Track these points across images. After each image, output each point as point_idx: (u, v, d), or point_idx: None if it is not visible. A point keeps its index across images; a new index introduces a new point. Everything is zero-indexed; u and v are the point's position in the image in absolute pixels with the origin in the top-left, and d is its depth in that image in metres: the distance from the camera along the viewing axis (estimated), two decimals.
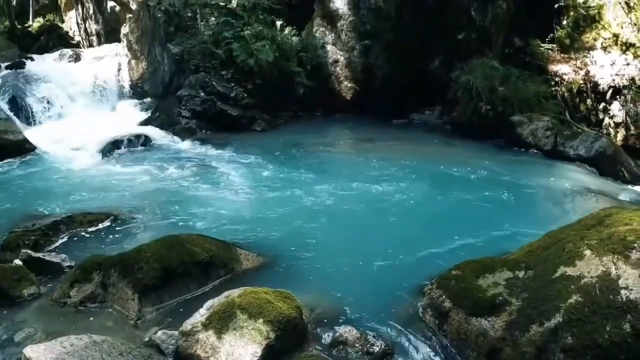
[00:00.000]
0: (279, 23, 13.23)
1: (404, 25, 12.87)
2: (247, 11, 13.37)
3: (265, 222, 6.16)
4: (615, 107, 11.33)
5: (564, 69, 11.90)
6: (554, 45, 12.30)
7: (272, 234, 5.76)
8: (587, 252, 3.59)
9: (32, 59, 14.24)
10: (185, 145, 10.39)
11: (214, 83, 11.87)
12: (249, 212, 6.53)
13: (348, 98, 13.33)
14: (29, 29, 19.59)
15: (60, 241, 5.67)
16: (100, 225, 6.07)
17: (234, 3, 13.46)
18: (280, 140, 10.73)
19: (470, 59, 12.28)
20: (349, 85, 13.31)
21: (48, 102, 12.22)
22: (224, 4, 13.52)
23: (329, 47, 13.42)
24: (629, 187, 8.92)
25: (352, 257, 5.26)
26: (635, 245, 3.43)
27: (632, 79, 11.11)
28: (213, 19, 13.05)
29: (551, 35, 12.36)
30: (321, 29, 13.56)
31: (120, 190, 7.52)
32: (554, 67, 12.04)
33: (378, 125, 12.11)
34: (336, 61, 13.35)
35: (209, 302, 3.64)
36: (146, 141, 10.43)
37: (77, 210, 6.40)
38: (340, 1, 13.13)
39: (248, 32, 12.34)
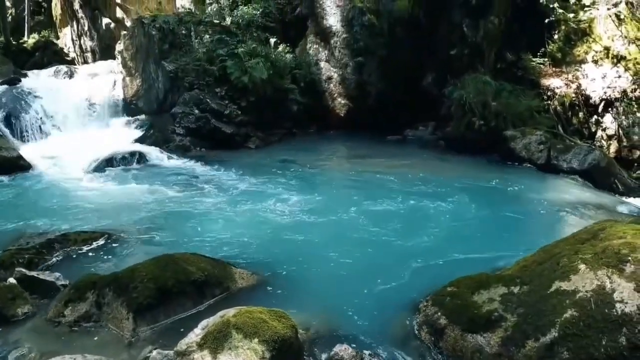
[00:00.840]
0: (272, 40, 13.32)
1: (397, 41, 12.98)
2: (241, 29, 13.47)
3: (260, 240, 6.15)
4: (608, 120, 11.41)
5: (556, 83, 12.00)
6: (546, 60, 12.42)
7: (267, 252, 5.75)
8: (582, 267, 3.61)
9: (26, 75, 14.27)
10: (180, 162, 10.38)
11: (208, 100, 11.90)
12: (243, 230, 6.50)
13: (342, 115, 13.39)
14: (24, 45, 19.68)
15: (55, 259, 5.62)
16: (95, 244, 6.02)
17: (228, 21, 13.54)
18: (274, 157, 10.72)
19: (463, 75, 12.37)
20: (342, 101, 13.37)
21: (42, 118, 12.24)
22: (218, 21, 13.61)
23: (322, 64, 13.51)
24: (623, 198, 8.97)
25: (347, 274, 5.25)
26: (630, 258, 3.46)
27: (624, 91, 11.22)
28: (207, 36, 13.11)
29: (543, 49, 12.48)
30: (315, 46, 13.65)
31: (115, 209, 7.48)
32: (546, 81, 12.13)
33: (372, 142, 12.15)
34: (330, 78, 13.43)
35: (204, 322, 3.62)
36: (140, 159, 10.41)
37: (71, 229, 6.38)
38: (334, 18, 13.24)
39: (242, 49, 12.42)
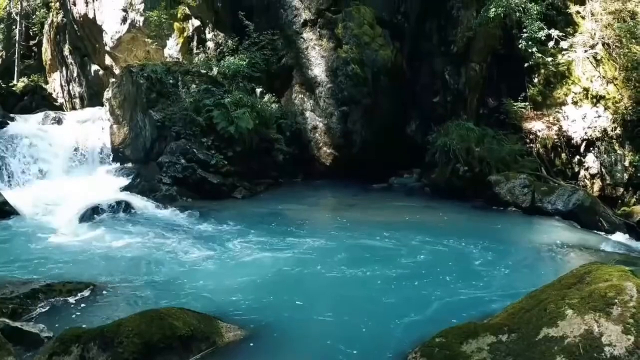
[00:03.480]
0: (258, 90, 13.50)
1: (381, 90, 13.27)
2: (228, 79, 13.65)
3: (246, 292, 6.09)
4: (590, 159, 11.65)
5: (538, 126, 12.25)
6: (527, 103, 12.69)
7: (254, 305, 5.69)
8: (569, 312, 3.64)
9: (14, 119, 14.32)
10: (166, 212, 10.31)
11: (194, 150, 11.94)
12: (230, 282, 6.45)
13: (328, 164, 13.50)
14: (13, 88, 19.79)
15: (39, 310, 5.53)
16: (80, 295, 5.94)
17: (214, 71, 13.74)
18: (260, 208, 10.71)
19: (446, 121, 12.66)
20: (328, 151, 13.50)
21: (29, 164, 12.21)
22: (205, 71, 13.80)
23: (308, 114, 13.70)
24: (609, 236, 9.15)
25: (335, 326, 5.21)
26: (616, 300, 3.50)
27: (604, 130, 11.47)
28: (194, 86, 13.27)
29: (523, 93, 12.76)
30: (300, 96, 13.88)
31: (100, 259, 7.42)
32: (528, 125, 12.39)
33: (358, 190, 12.23)
34: (315, 127, 13.59)
35: None
36: (127, 208, 10.34)
37: (56, 278, 6.29)
38: (319, 69, 13.50)
39: (228, 99, 12.56)
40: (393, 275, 6.74)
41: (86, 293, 6.02)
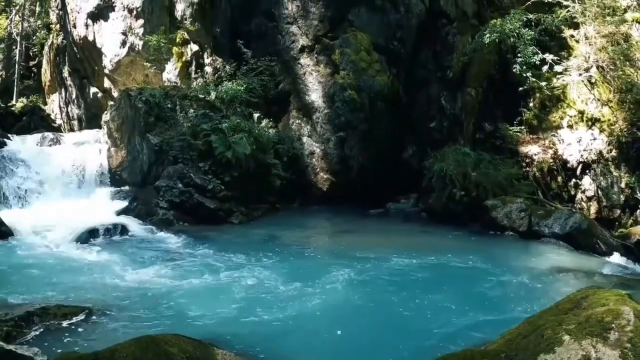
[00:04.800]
0: (256, 115, 13.54)
1: (378, 116, 13.34)
2: (225, 104, 13.68)
3: (243, 319, 6.07)
4: (586, 182, 11.67)
5: (534, 150, 12.31)
6: (523, 127, 12.76)
7: (251, 332, 5.67)
8: (566, 338, 3.63)
9: (12, 139, 14.35)
10: (163, 237, 10.28)
11: (191, 175, 11.92)
12: (227, 308, 6.43)
13: (325, 189, 13.48)
14: (12, 108, 19.92)
15: (34, 333, 5.51)
16: (75, 319, 5.92)
17: (212, 95, 13.79)
18: (257, 234, 10.67)
19: (443, 146, 12.74)
20: (325, 176, 13.50)
21: (26, 184, 12.20)
22: (203, 96, 13.85)
23: (305, 139, 13.73)
24: (606, 259, 9.20)
25: (332, 354, 5.19)
26: (613, 325, 3.49)
27: (600, 153, 11.52)
28: (192, 110, 13.32)
29: (519, 117, 12.83)
30: (297, 121, 13.93)
31: (96, 282, 7.39)
32: (524, 149, 12.45)
33: (355, 216, 12.23)
34: (312, 153, 13.62)
35: None
36: (123, 231, 10.34)
37: (51, 301, 6.27)
38: (316, 94, 13.59)
39: (226, 124, 12.58)
40: (388, 301, 6.74)
41: (81, 317, 6.00)
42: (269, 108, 14.25)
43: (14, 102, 21.03)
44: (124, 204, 12.09)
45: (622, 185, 11.25)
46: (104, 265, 8.27)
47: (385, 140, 13.47)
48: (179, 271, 8.03)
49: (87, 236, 9.91)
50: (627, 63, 11.72)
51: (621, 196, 11.24)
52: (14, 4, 24.74)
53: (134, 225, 10.69)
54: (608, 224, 10.92)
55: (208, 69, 15.50)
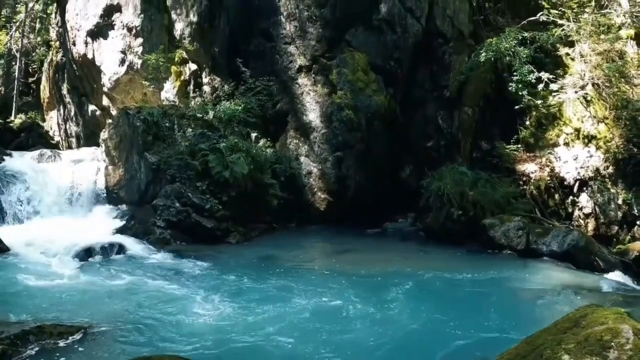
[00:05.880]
0: (253, 135, 13.55)
1: (375, 135, 13.38)
2: (223, 123, 13.69)
3: (240, 340, 6.06)
4: (584, 199, 11.72)
5: (531, 168, 12.37)
6: (519, 146, 12.83)
7: (247, 354, 5.66)
8: (566, 357, 3.60)
9: (10, 155, 14.38)
10: (160, 256, 10.28)
11: (189, 194, 11.92)
12: (223, 329, 6.42)
13: (322, 209, 13.44)
14: (11, 124, 19.94)
15: (29, 352, 5.51)
16: (71, 339, 5.92)
17: (210, 115, 13.82)
18: (254, 254, 10.65)
19: (440, 166, 12.79)
20: (322, 196, 13.48)
21: (23, 201, 12.20)
22: (201, 115, 13.88)
23: (302, 159, 13.73)
24: (604, 275, 9.20)
25: None
26: (612, 344, 3.48)
27: (597, 170, 11.59)
28: (190, 130, 13.34)
29: (516, 136, 12.91)
30: (295, 141, 13.95)
31: (92, 301, 7.40)
32: (521, 167, 12.51)
33: (353, 236, 12.21)
34: (310, 172, 13.60)
35: None
36: (120, 250, 10.35)
37: (47, 320, 6.27)
38: (313, 114, 13.63)
39: (224, 144, 12.59)
40: (386, 321, 6.73)
41: (77, 336, 5.99)
42: (266, 128, 14.26)
43: (12, 118, 21.09)
44: (121, 222, 12.09)
45: (619, 201, 11.31)
46: (100, 284, 8.27)
47: (382, 160, 13.51)
48: (175, 291, 8.01)
49: (84, 254, 9.93)
50: (623, 80, 11.86)
51: (618, 213, 11.29)
52: (14, 20, 24.94)
53: (131, 244, 10.68)
54: (606, 241, 10.98)
55: (206, 88, 15.57)
